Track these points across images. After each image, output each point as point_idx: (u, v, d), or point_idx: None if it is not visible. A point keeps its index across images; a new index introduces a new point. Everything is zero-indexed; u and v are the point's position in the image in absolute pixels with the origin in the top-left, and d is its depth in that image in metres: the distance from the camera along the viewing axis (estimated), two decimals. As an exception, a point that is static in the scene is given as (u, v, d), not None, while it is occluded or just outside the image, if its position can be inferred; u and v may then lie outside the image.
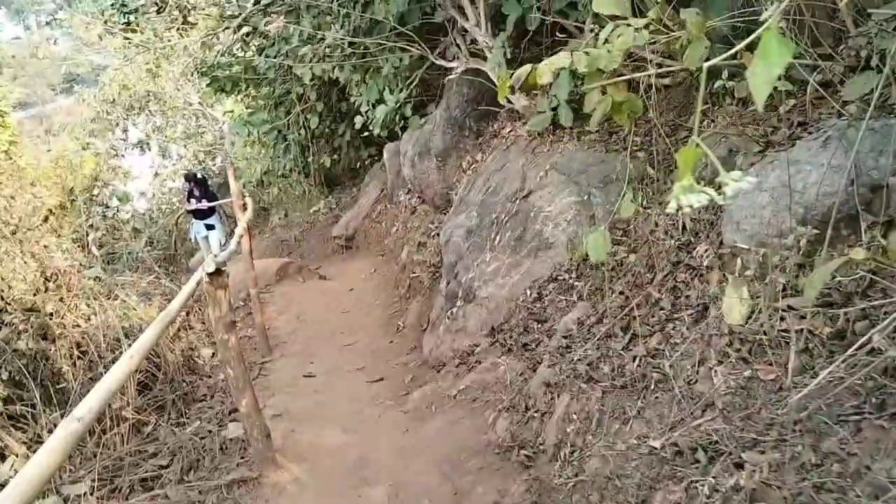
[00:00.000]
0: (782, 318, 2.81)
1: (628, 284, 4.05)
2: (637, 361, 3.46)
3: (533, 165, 5.60)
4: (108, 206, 14.11)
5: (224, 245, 11.32)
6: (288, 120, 11.31)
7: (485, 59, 6.40)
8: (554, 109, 5.68)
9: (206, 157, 22.40)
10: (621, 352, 3.64)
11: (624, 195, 3.94)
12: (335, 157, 11.89)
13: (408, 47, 6.70)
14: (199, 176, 11.29)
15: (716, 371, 2.97)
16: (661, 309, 3.67)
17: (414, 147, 7.80)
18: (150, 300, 9.13)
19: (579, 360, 3.80)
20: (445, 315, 5.67)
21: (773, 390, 2.67)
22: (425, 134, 7.65)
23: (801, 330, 2.67)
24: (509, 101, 6.41)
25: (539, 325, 4.59)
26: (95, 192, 14.58)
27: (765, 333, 2.88)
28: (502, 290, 5.21)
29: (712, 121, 4.37)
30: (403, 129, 8.82)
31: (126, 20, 9.53)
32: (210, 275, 3.56)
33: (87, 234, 11.48)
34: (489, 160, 6.41)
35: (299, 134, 11.39)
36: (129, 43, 9.96)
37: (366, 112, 9.46)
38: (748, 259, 3.21)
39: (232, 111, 11.34)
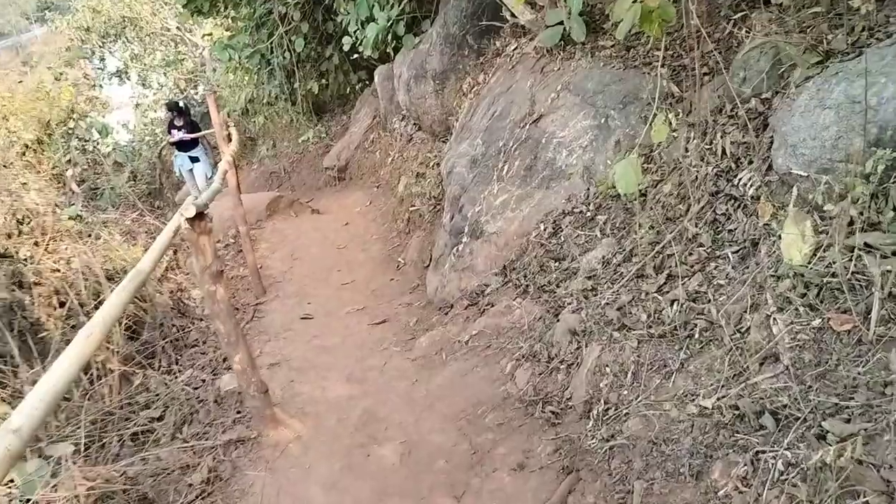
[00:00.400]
0: (858, 258, 2.41)
1: (659, 218, 3.63)
2: (676, 306, 3.07)
3: (542, 86, 5.10)
4: (87, 140, 13.47)
5: (210, 178, 10.81)
6: (271, 43, 10.61)
7: (486, -32, 5.81)
8: (561, 23, 5.15)
9: (187, 86, 21.56)
10: (656, 295, 3.25)
11: (655, 116, 3.47)
12: (323, 82, 11.23)
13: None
14: (180, 105, 10.67)
15: (775, 319, 2.58)
16: (700, 245, 3.27)
17: (409, 69, 7.22)
18: (135, 239, 8.70)
19: (608, 304, 3.42)
20: (451, 252, 5.26)
21: (849, 343, 2.29)
22: (420, 55, 7.06)
23: (887, 272, 2.27)
24: (513, 16, 5.84)
25: (556, 264, 4.19)
26: (72, 125, 13.92)
27: (834, 276, 2.48)
28: (512, 225, 4.79)
29: (748, 30, 3.87)
30: (396, 50, 8.21)
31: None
32: (190, 220, 3.12)
33: (67, 171, 10.96)
34: (493, 82, 5.88)
35: (284, 58, 10.70)
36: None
37: (354, 32, 8.82)
38: (806, 188, 2.79)
39: (210, 34, 10.58)
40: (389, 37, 7.68)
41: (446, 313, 4.91)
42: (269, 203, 8.74)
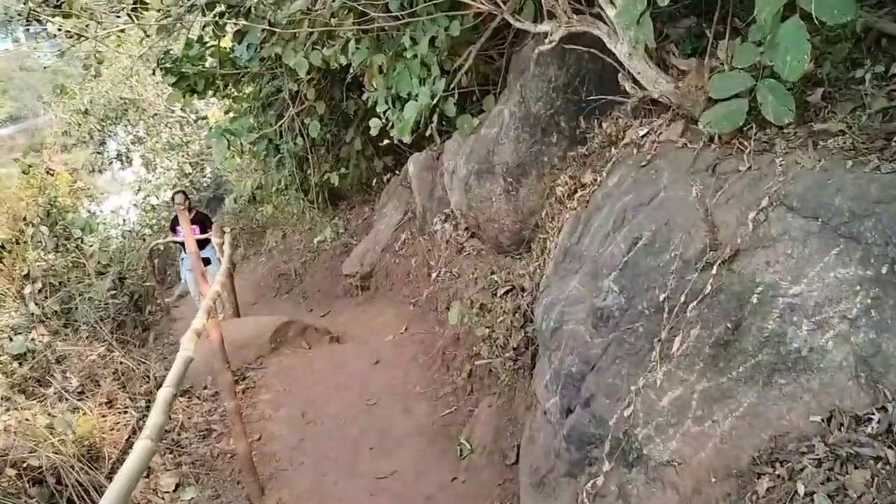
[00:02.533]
0: None
1: None
2: None
3: (726, 198, 2.99)
4: (68, 238, 11.50)
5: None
6: (280, 126, 8.69)
7: (600, 17, 3.80)
8: (739, 95, 3.09)
9: (193, 170, 19.85)
10: None
11: None
12: (342, 170, 9.24)
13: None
14: (187, 194, 8.72)
15: None
16: None
17: (467, 162, 5.17)
18: (98, 385, 6.65)
19: None
20: (577, 476, 3.07)
21: None
22: (484, 142, 5.03)
23: None
24: (638, 85, 3.81)
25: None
26: (50, 221, 11.99)
27: None
28: (703, 449, 2.62)
29: None
30: (441, 133, 6.23)
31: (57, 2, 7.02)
32: None
33: (25, 288, 8.91)
34: (611, 184, 3.80)
35: (295, 144, 8.76)
36: (60, 31, 7.44)
37: (384, 112, 6.87)
38: None
39: (206, 118, 8.69)
40: (435, 118, 5.69)
41: None
42: (274, 332, 6.59)
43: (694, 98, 3.45)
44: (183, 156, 19.70)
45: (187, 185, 19.59)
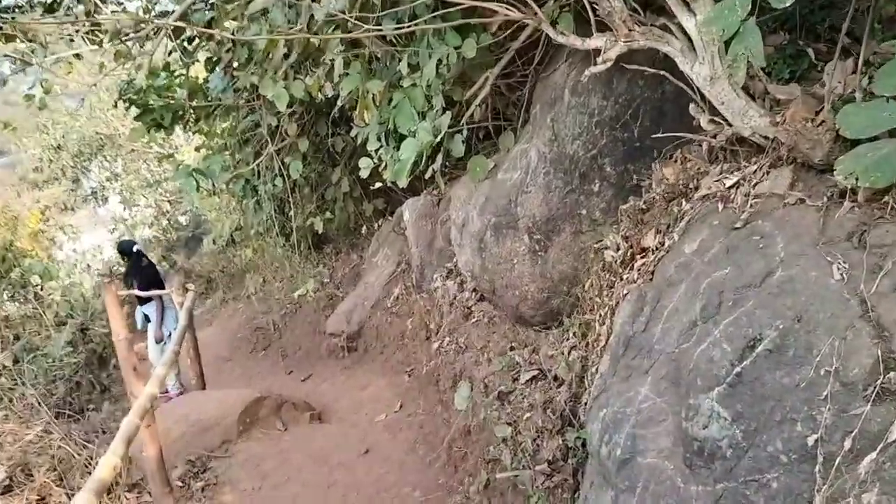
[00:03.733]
0: None
1: None
2: None
3: (894, 285, 2.00)
4: (24, 286, 10.34)
5: (165, 343, 7.68)
6: (258, 165, 7.67)
7: (669, 30, 2.84)
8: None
9: (171, 208, 18.78)
10: None
11: None
12: (327, 215, 8.21)
13: (489, 5, 3.12)
14: (135, 247, 7.66)
15: None
16: None
17: (483, 213, 4.15)
18: (31, 476, 5.59)
19: None
20: None
21: None
22: (504, 189, 4.02)
23: None
24: (717, 118, 2.84)
25: None
26: (4, 266, 10.82)
27: None
28: None
29: None
30: (446, 174, 5.25)
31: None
32: None
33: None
34: (688, 250, 2.78)
35: (274, 185, 7.74)
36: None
37: (377, 151, 5.92)
38: None
39: (172, 155, 7.55)
40: (439, 158, 4.69)
41: None
42: (244, 410, 5.45)
43: (813, 137, 2.47)
44: (160, 193, 18.66)
45: (165, 223, 18.53)
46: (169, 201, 18.78)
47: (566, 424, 3.36)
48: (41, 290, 10.65)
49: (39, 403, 6.36)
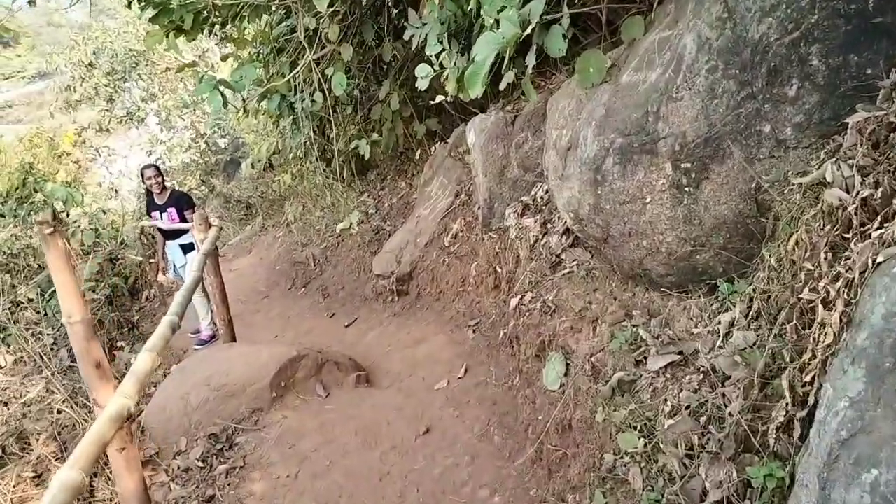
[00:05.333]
0: None
1: None
2: None
3: None
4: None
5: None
6: (294, 78, 6.45)
7: None
8: None
9: (209, 130, 17.70)
10: None
11: None
12: (374, 136, 7.00)
13: None
14: (159, 168, 6.58)
15: None
16: None
17: (602, 131, 2.88)
18: (28, 446, 4.68)
19: None
20: None
21: None
22: (635, 97, 2.75)
23: None
24: None
25: None
26: (27, 192, 9.93)
27: None
28: None
29: None
30: (513, 88, 3.99)
31: None
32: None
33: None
34: None
35: (313, 101, 6.53)
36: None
37: (437, 56, 4.73)
38: None
39: (193, 64, 6.30)
40: (531, 57, 3.42)
41: None
42: (278, 372, 4.44)
43: None
44: (198, 114, 17.56)
45: (203, 146, 17.46)
46: (205, 122, 17.70)
47: (741, 448, 2.22)
48: (67, 216, 9.76)
49: (42, 357, 5.43)
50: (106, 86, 16.82)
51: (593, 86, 3.05)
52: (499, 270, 4.86)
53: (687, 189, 2.61)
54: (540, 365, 3.68)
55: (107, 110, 17.68)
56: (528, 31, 3.29)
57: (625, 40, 3.04)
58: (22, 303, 7.95)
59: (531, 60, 3.40)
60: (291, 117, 7.36)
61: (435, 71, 4.71)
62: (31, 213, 9.12)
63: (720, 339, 2.58)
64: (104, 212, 11.10)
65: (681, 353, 2.70)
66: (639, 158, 2.70)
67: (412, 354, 5.09)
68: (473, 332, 4.91)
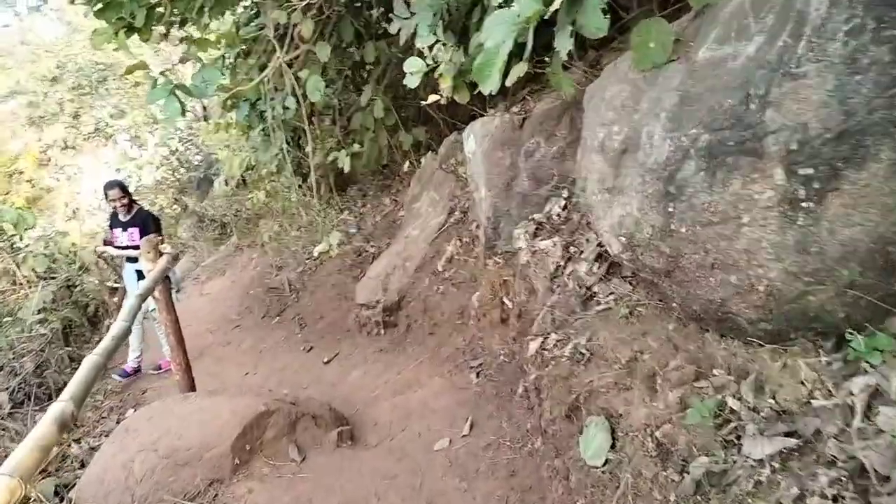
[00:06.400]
0: None
1: None
2: None
3: None
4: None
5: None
6: (264, 82, 5.62)
7: None
8: None
9: (180, 145, 16.72)
10: None
11: None
12: (355, 147, 6.17)
13: None
14: (124, 185, 5.73)
15: None
16: None
17: (679, 126, 2.07)
18: None
19: None
20: None
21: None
22: (726, 76, 1.96)
23: None
24: None
25: None
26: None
27: None
28: None
29: None
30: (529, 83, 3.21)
31: None
32: None
33: None
34: None
35: (285, 109, 5.70)
36: None
37: (431, 49, 3.95)
38: None
39: (143, 66, 5.44)
40: (565, 40, 2.63)
41: None
42: (242, 432, 3.57)
43: None
44: (170, 130, 16.61)
45: (175, 163, 16.48)
46: (179, 139, 16.77)
47: None
48: (20, 240, 8.80)
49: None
50: (71, 101, 15.82)
51: (654, 66, 2.26)
52: (506, 302, 4.04)
53: (805, 205, 1.82)
54: (571, 428, 2.86)
55: (73, 127, 16.68)
56: (555, 6, 2.51)
57: (694, 5, 2.25)
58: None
59: (564, 44, 2.60)
60: (261, 127, 6.51)
61: (427, 66, 3.93)
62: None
63: (857, 417, 1.79)
64: (63, 234, 10.14)
65: (795, 433, 1.90)
66: (735, 162, 1.90)
67: (404, 402, 4.24)
68: (477, 375, 4.08)
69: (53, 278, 8.39)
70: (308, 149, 6.82)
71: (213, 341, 7.17)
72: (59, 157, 17.23)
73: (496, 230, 4.17)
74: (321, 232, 6.86)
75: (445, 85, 3.94)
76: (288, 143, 6.58)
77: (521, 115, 4.01)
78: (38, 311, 7.45)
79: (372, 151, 6.46)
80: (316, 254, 6.37)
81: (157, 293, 4.05)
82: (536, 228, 3.90)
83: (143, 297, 3.69)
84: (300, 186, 7.88)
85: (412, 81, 3.93)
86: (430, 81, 4.09)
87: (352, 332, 5.87)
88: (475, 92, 3.86)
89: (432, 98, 3.96)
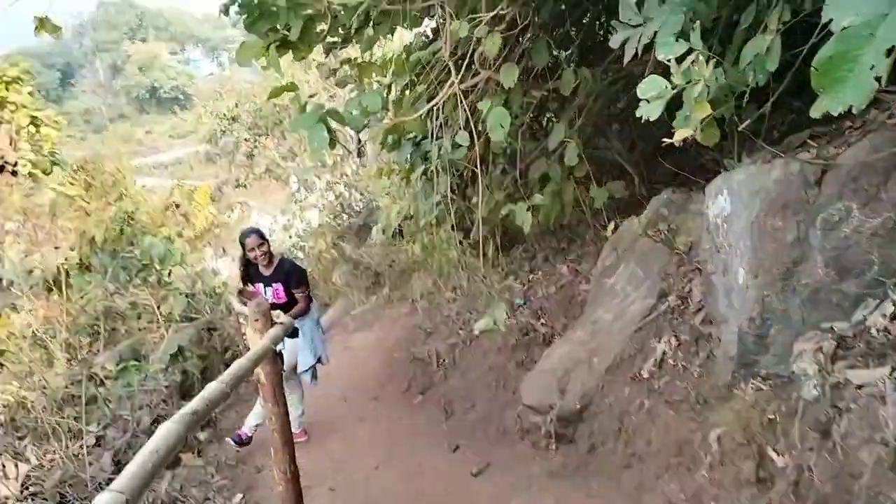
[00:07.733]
0: None
1: None
2: None
3: None
4: (141, 269, 8.04)
5: (309, 370, 4.92)
6: (431, 113, 4.53)
7: None
8: None
9: (345, 190, 16.46)
10: None
11: None
12: (538, 197, 4.85)
13: None
14: (263, 234, 4.85)
15: None
16: None
17: None
18: None
19: None
20: None
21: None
22: None
23: None
24: None
25: None
26: (120, 246, 8.62)
27: None
28: None
29: None
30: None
31: None
32: None
33: None
34: None
35: (455, 146, 4.55)
36: None
37: (679, 62, 2.55)
38: None
39: (292, 87, 4.59)
40: None
41: None
42: None
43: None
44: (336, 175, 16.45)
45: (338, 208, 16.18)
46: (345, 184, 16.54)
47: None
48: (169, 275, 8.35)
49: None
50: (246, 140, 16.04)
51: None
52: (772, 455, 2.52)
53: None
54: None
55: (246, 166, 16.93)
56: None
57: None
58: (96, 375, 6.43)
59: None
60: (423, 168, 5.42)
61: (673, 87, 2.58)
62: (124, 268, 7.74)
63: None
64: (215, 273, 9.70)
65: None
66: None
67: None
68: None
69: (193, 319, 7.80)
70: (476, 199, 5.64)
71: (345, 414, 6.13)
72: (232, 194, 17.55)
73: (761, 339, 2.67)
74: (484, 300, 5.60)
75: (700, 114, 2.56)
76: (452, 190, 5.43)
77: (821, 165, 2.53)
78: (170, 357, 6.78)
79: (553, 207, 5.13)
80: (477, 331, 5.08)
81: (262, 376, 2.92)
82: (838, 346, 2.37)
83: (234, 385, 2.56)
84: (461, 242, 6.73)
85: (650, 110, 2.60)
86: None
87: (511, 437, 4.50)
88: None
89: (681, 134, 2.59)
